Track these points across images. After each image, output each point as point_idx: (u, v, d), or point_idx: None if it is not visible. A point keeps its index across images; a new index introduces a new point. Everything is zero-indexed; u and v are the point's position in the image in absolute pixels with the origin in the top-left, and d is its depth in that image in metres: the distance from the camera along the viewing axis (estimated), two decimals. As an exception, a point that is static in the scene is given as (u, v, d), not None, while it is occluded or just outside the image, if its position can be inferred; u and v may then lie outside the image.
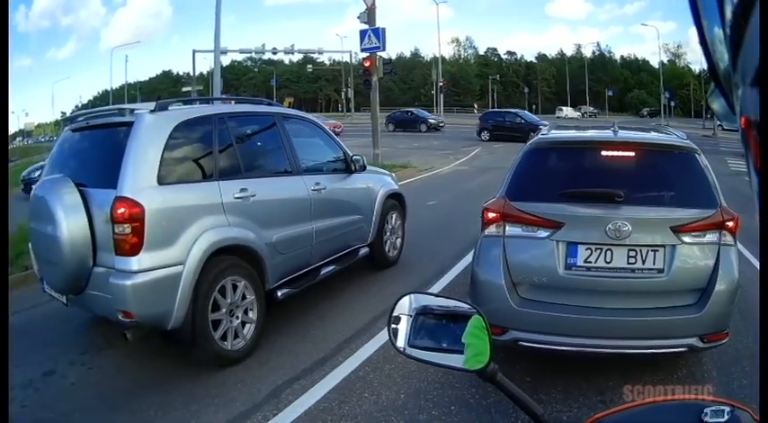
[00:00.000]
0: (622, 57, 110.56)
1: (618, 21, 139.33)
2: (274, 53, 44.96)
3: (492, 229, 4.77)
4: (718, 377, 4.94)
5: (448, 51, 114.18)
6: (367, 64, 20.82)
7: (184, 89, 57.35)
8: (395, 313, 1.55)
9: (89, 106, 58.85)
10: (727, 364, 5.11)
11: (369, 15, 20.69)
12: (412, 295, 1.57)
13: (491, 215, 4.78)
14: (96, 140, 5.78)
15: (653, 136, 5.55)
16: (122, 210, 4.77)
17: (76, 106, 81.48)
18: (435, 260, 8.65)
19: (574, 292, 4.52)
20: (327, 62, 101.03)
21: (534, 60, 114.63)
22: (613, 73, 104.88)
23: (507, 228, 4.70)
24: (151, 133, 5.15)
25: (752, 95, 0.50)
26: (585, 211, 4.64)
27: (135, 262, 4.80)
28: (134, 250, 4.79)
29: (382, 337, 5.58)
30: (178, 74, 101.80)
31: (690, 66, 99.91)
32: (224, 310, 5.30)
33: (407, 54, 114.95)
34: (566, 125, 14.23)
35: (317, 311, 6.64)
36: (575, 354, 4.63)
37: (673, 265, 4.42)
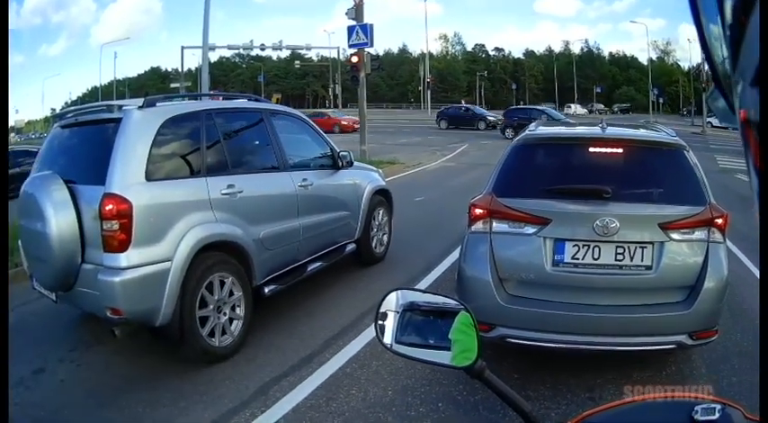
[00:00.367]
0: (611, 53, 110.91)
1: (607, 18, 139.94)
2: (262, 49, 44.62)
3: (479, 226, 4.75)
4: (708, 374, 4.95)
5: (436, 48, 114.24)
6: (354, 60, 20.84)
7: (173, 85, 57.29)
8: (382, 309, 1.54)
9: (78, 103, 58.73)
10: (716, 361, 5.13)
11: (357, 11, 20.68)
12: (399, 291, 1.56)
13: (478, 211, 4.77)
14: (85, 137, 5.77)
15: (641, 133, 5.56)
16: (110, 206, 4.76)
17: (66, 103, 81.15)
18: (422, 256, 8.65)
19: (561, 288, 4.51)
20: (315, 58, 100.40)
21: (522, 57, 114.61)
22: (601, 70, 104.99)
23: (494, 224, 4.68)
24: (139, 129, 5.14)
25: (752, 95, 0.50)
26: (573, 208, 4.64)
27: (123, 258, 4.79)
28: (122, 247, 4.78)
29: (369, 333, 5.58)
30: (166, 70, 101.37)
31: (679, 63, 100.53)
32: (211, 307, 5.29)
33: (395, 50, 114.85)
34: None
35: (304, 308, 6.63)
36: (563, 351, 4.63)
37: (661, 262, 4.42)
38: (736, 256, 7.63)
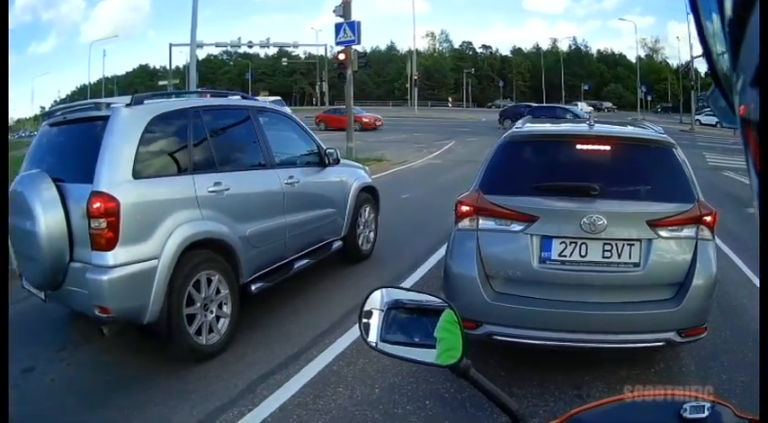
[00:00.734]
0: (599, 51, 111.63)
1: (596, 15, 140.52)
2: (250, 47, 44.82)
3: (465, 223, 4.75)
4: (697, 372, 4.97)
5: (423, 45, 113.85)
6: (342, 57, 20.80)
7: (161, 83, 57.12)
8: (366, 308, 1.53)
9: (67, 101, 58.07)
10: (705, 358, 5.14)
11: (344, 9, 20.66)
12: (383, 289, 1.55)
13: (464, 208, 4.76)
14: (73, 135, 5.74)
15: (629, 130, 5.58)
16: (98, 204, 4.75)
17: (55, 101, 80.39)
18: (409, 253, 8.66)
19: (548, 285, 4.51)
20: (302, 56, 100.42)
21: (509, 54, 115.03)
22: (589, 67, 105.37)
23: (481, 221, 4.68)
24: (126, 127, 5.13)
25: (752, 95, 0.50)
26: (560, 205, 4.64)
27: (111, 257, 4.78)
28: (110, 245, 4.77)
29: (356, 331, 5.50)
30: (155, 68, 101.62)
31: (667, 60, 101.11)
32: (198, 305, 5.28)
33: (383, 48, 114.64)
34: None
35: (291, 305, 6.63)
36: (550, 348, 4.65)
37: (649, 259, 4.42)
38: (725, 253, 7.68)
